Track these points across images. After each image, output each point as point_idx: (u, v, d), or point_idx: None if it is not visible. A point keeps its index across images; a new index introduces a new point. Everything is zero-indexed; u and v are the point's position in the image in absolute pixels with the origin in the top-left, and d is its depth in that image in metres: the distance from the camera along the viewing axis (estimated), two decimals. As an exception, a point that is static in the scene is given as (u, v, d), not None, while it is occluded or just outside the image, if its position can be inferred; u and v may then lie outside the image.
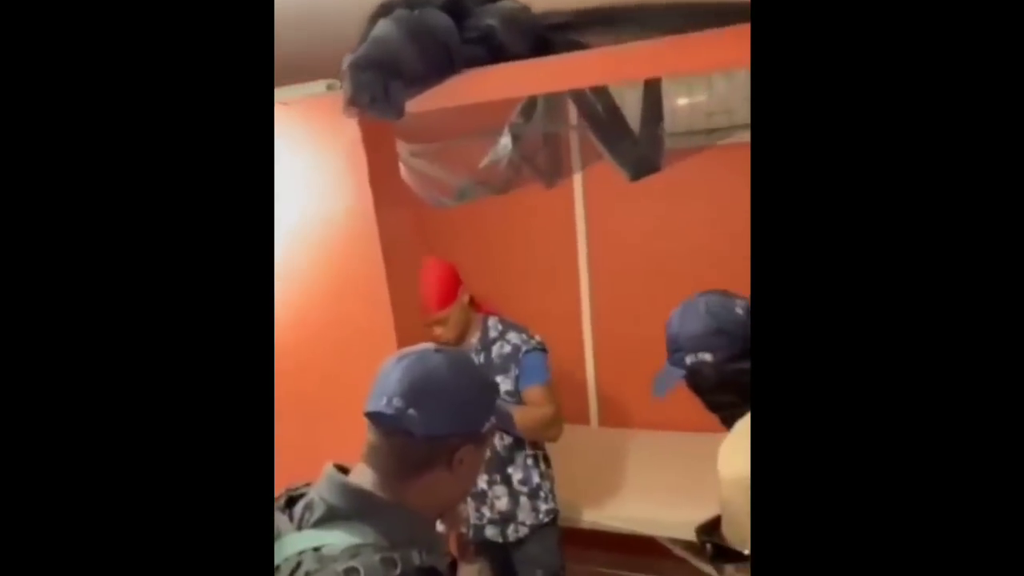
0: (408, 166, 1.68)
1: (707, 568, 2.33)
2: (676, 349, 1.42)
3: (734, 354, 1.36)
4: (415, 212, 1.68)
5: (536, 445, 2.04)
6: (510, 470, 1.99)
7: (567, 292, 3.07)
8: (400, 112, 1.29)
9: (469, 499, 2.04)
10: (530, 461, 2.01)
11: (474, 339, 2.01)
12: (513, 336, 1.98)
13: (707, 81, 2.44)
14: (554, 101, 1.36)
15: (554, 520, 2.06)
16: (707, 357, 1.38)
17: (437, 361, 0.98)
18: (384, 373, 0.97)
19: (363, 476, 0.96)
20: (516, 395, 1.94)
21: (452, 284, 1.93)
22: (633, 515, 2.30)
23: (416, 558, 0.90)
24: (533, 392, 1.92)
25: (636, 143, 1.29)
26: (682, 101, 2.43)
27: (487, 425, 1.01)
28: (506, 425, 1.24)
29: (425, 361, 0.98)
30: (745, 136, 2.46)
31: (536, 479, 2.02)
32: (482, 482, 2.00)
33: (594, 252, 3.03)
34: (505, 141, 1.55)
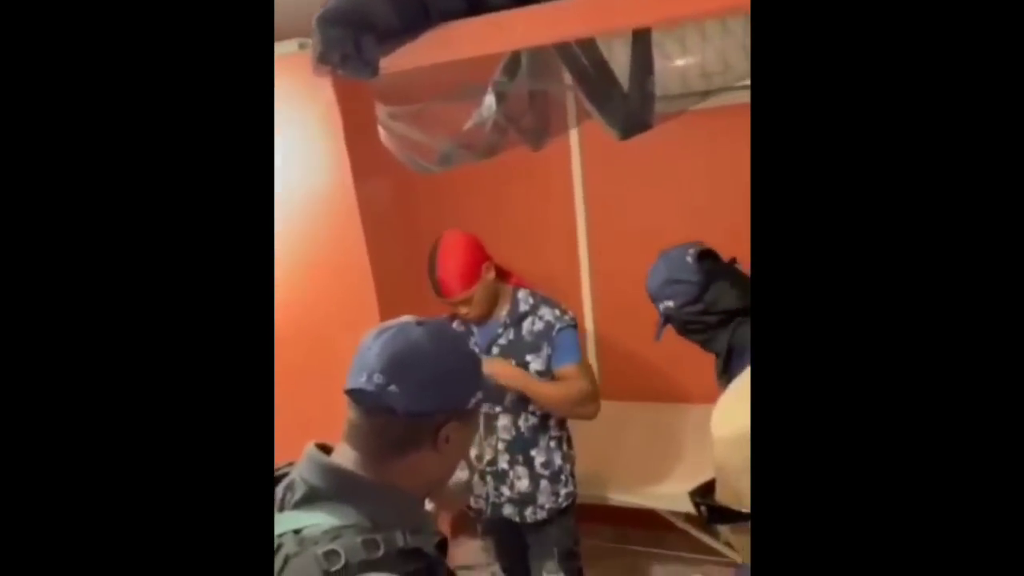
0: (387, 129, 1.60)
1: (707, 538, 2.32)
2: (652, 300, 1.69)
3: (688, 299, 1.61)
4: (398, 178, 1.60)
5: (561, 426, 1.97)
6: (533, 452, 1.92)
7: (566, 262, 3.02)
8: (374, 70, 1.21)
9: (489, 478, 2.00)
10: (553, 444, 1.94)
11: (503, 313, 1.90)
12: (546, 312, 1.87)
13: (703, 41, 2.37)
14: (539, 56, 1.28)
15: (572, 503, 2.01)
16: (670, 304, 1.65)
17: (418, 334, 0.94)
18: (363, 348, 0.93)
19: (345, 456, 0.92)
20: (547, 375, 1.88)
21: (475, 262, 1.80)
22: (635, 488, 2.26)
23: (400, 539, 0.87)
24: (568, 371, 1.85)
25: (625, 100, 1.22)
26: (678, 62, 2.36)
27: (473, 401, 0.97)
28: (497, 399, 1.19)
29: (406, 335, 0.94)
30: (741, 97, 2.42)
31: (559, 461, 1.95)
32: (503, 462, 1.93)
33: (593, 219, 2.97)
34: (489, 101, 1.47)
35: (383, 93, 1.50)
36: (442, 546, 1.05)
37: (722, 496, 0.76)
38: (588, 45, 1.26)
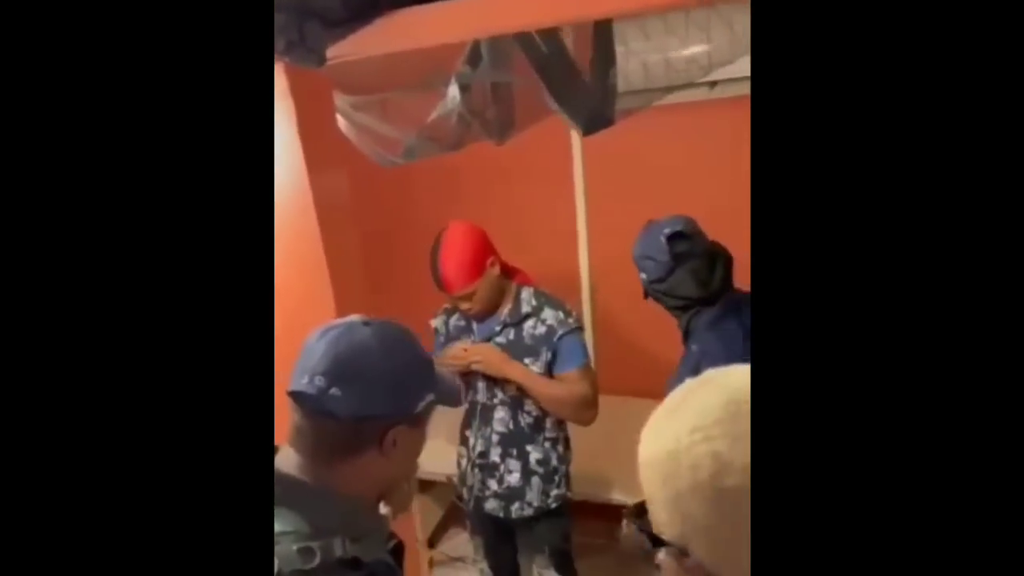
0: (350, 120, 1.54)
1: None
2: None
3: (655, 278, 1.66)
4: (355, 168, 1.54)
5: (560, 426, 1.92)
6: (529, 448, 1.87)
7: (565, 255, 2.98)
8: (321, 59, 1.15)
9: (476, 470, 1.96)
10: (549, 443, 1.89)
11: (504, 311, 1.84)
12: (548, 315, 1.80)
13: (706, 32, 2.31)
14: (500, 46, 1.21)
15: (563, 506, 1.95)
16: (643, 276, 1.70)
17: (365, 335, 0.90)
18: (307, 348, 0.89)
19: (287, 459, 0.89)
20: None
21: (479, 257, 1.74)
22: (633, 486, 2.23)
23: (338, 548, 0.84)
24: (570, 376, 1.80)
25: (587, 94, 1.15)
26: (682, 52, 2.33)
27: (421, 405, 0.93)
28: (451, 402, 1.15)
29: (351, 335, 0.90)
30: (745, 89, 2.38)
31: (554, 462, 1.90)
32: (495, 455, 1.88)
33: (593, 212, 2.92)
34: (453, 92, 1.41)
35: (342, 82, 1.44)
36: (396, 551, 1.02)
37: (652, 520, 0.71)
38: (550, 35, 1.19)
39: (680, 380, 1.67)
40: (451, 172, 3.00)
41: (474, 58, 1.27)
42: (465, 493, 2.03)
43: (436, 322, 2.05)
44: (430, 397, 0.96)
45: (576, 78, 1.17)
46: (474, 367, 1.83)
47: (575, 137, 2.82)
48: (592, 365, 1.89)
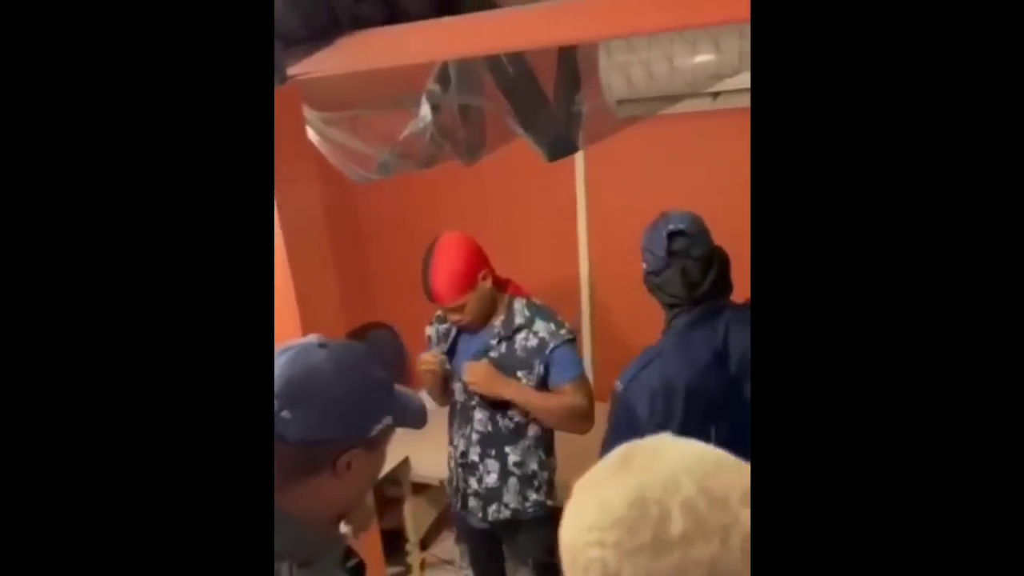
0: (321, 135, 1.52)
1: None
2: None
3: (654, 269, 1.65)
4: (326, 184, 1.53)
5: (544, 432, 1.90)
6: (508, 449, 1.86)
7: (565, 263, 2.96)
8: (282, 77, 1.14)
9: (459, 469, 1.95)
10: (531, 446, 1.88)
11: (497, 323, 1.83)
12: (541, 327, 1.80)
13: (714, 42, 2.31)
14: (468, 68, 1.20)
15: (546, 515, 1.91)
16: (644, 266, 1.70)
17: (319, 358, 0.90)
18: None
19: None
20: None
21: (471, 269, 1.73)
22: None
23: (285, 572, 0.84)
24: (565, 388, 1.78)
25: (552, 120, 1.13)
26: (684, 61, 2.33)
27: (377, 428, 0.92)
28: (415, 423, 1.13)
29: (305, 357, 0.90)
30: (745, 100, 2.37)
31: (534, 466, 1.88)
32: (475, 455, 1.88)
33: (593, 219, 2.92)
34: (424, 111, 1.39)
35: (313, 97, 1.43)
36: (356, 571, 1.01)
37: None
38: (517, 59, 1.18)
39: (628, 373, 1.65)
40: (451, 179, 2.98)
41: (443, 78, 1.25)
42: (452, 492, 2.04)
43: (430, 330, 2.05)
44: (387, 420, 0.96)
45: (542, 103, 1.16)
46: (470, 388, 1.82)
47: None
48: (587, 376, 1.87)
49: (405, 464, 2.88)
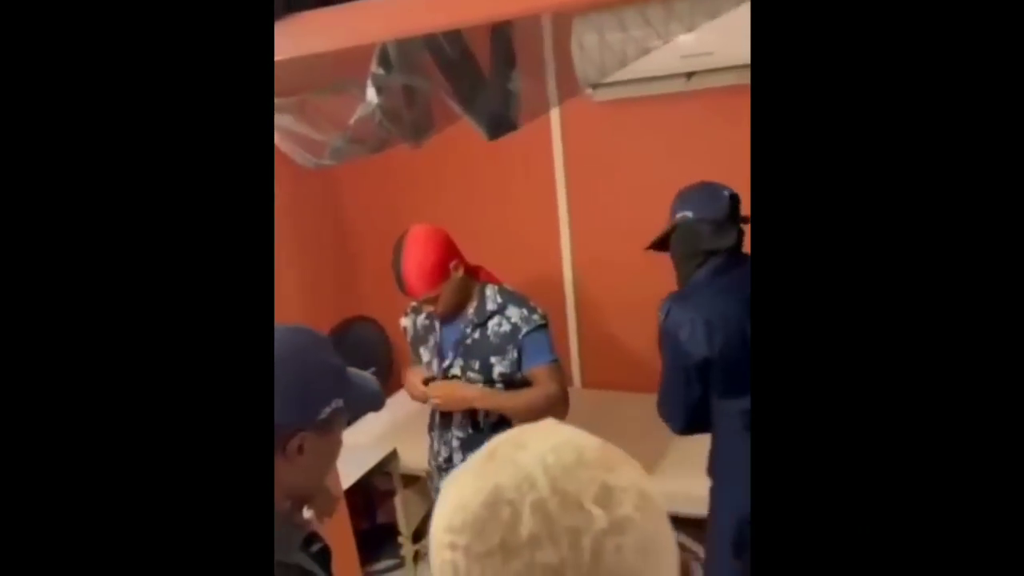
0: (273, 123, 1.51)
1: (682, 537, 2.30)
2: (671, 213, 1.89)
3: (707, 216, 1.81)
4: (308, 176, 1.53)
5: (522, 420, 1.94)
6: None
7: (547, 248, 2.97)
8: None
9: (441, 473, 1.97)
10: None
11: (470, 311, 1.84)
12: (512, 312, 1.81)
13: (688, 22, 2.31)
14: (407, 48, 1.19)
15: None
16: (688, 214, 1.82)
17: None
18: None
19: None
20: (511, 377, 1.82)
21: (442, 261, 1.74)
22: None
23: None
24: (537, 373, 1.80)
25: (490, 98, 1.13)
26: (687, 39, 2.35)
27: (326, 411, 0.94)
28: (371, 407, 1.14)
29: None
30: (726, 79, 2.39)
31: None
32: (458, 460, 1.90)
33: (575, 203, 2.94)
34: (371, 94, 1.38)
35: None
36: (321, 555, 1.02)
37: None
38: (454, 37, 1.17)
39: (664, 307, 1.73)
40: (434, 167, 2.97)
41: (385, 60, 1.24)
42: (434, 491, 2.05)
43: (406, 321, 2.05)
44: (337, 403, 0.97)
45: (480, 81, 1.15)
46: (437, 407, 1.83)
47: (555, 129, 2.78)
48: (559, 361, 1.88)
49: (394, 456, 2.90)
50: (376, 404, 1.15)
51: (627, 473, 0.52)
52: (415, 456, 2.79)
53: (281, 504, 0.98)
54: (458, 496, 0.53)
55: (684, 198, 1.87)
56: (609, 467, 0.51)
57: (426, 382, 1.91)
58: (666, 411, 1.84)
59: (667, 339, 1.77)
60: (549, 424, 0.58)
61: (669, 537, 0.53)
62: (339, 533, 1.62)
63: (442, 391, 1.84)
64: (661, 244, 1.91)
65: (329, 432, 1.00)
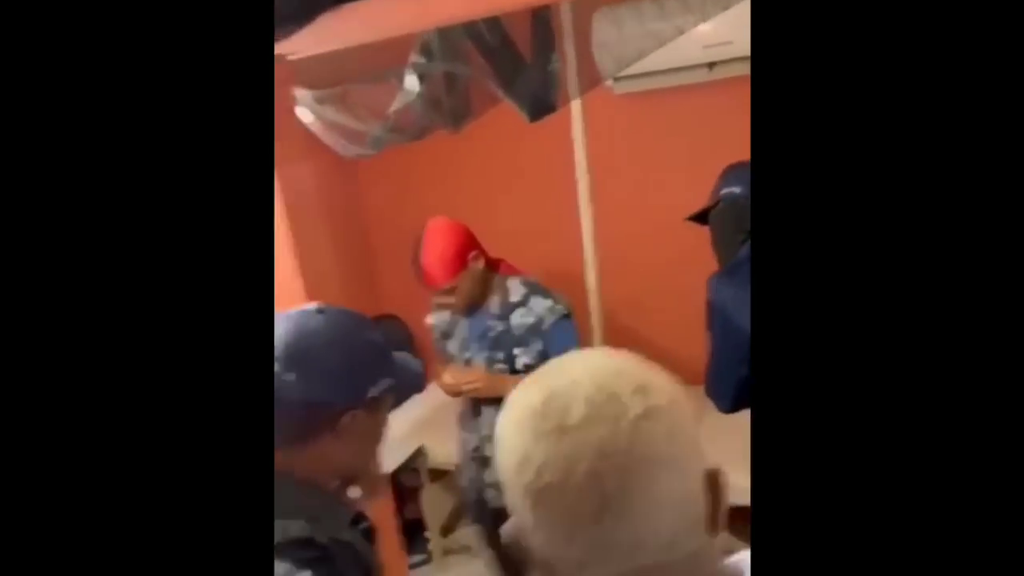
0: (315, 114, 1.57)
1: None
2: (716, 189, 1.76)
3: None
4: (321, 163, 1.57)
5: None
6: None
7: (569, 241, 2.98)
8: (270, 57, 1.19)
9: (472, 463, 1.98)
10: None
11: (493, 305, 1.87)
12: (537, 304, 1.83)
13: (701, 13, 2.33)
14: (448, 36, 1.24)
15: None
16: (735, 190, 1.71)
17: (317, 322, 0.95)
18: None
19: None
20: (536, 369, 1.84)
21: (461, 251, 1.77)
22: None
23: (295, 529, 0.88)
24: None
25: (531, 81, 1.18)
26: (701, 30, 2.35)
27: (374, 390, 0.97)
28: (414, 388, 1.18)
29: (305, 322, 0.95)
30: (747, 68, 2.37)
31: None
32: (488, 449, 1.92)
33: (598, 198, 2.96)
34: (411, 82, 1.44)
35: (301, 77, 1.48)
36: (367, 534, 1.05)
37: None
38: (492, 23, 1.22)
39: (712, 283, 1.65)
40: (453, 164, 3.00)
41: (426, 49, 1.30)
42: (465, 483, 2.06)
43: (432, 318, 2.07)
44: (385, 383, 0.99)
45: (520, 65, 1.20)
46: (469, 395, 1.85)
47: (576, 122, 2.81)
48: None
49: (421, 453, 2.88)
50: (420, 385, 1.19)
51: (660, 378, 0.61)
52: (442, 452, 2.81)
53: (330, 483, 1.02)
54: (521, 398, 0.63)
55: (732, 174, 1.76)
56: (645, 372, 0.61)
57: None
58: (715, 389, 1.80)
59: (716, 316, 1.75)
60: (590, 350, 0.68)
61: (695, 430, 0.61)
62: (383, 517, 1.67)
63: (477, 378, 1.87)
64: (700, 218, 1.83)
65: (377, 411, 1.01)
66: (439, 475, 3.09)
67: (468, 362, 1.92)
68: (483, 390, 1.85)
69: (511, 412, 0.63)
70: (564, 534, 0.56)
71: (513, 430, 0.61)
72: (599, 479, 0.55)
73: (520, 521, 0.60)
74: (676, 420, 0.58)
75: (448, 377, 1.90)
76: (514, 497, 0.60)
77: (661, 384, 0.60)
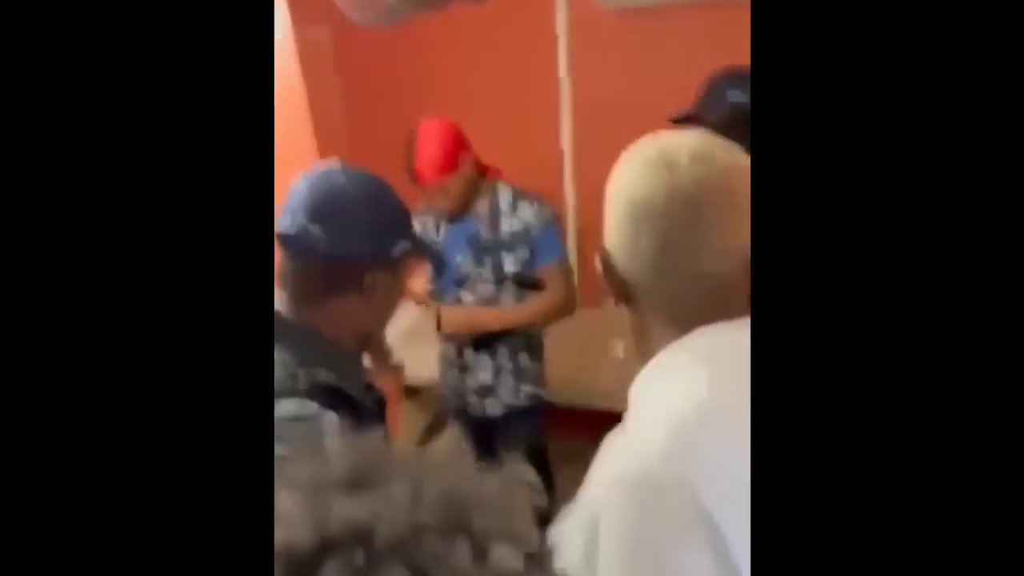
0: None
1: None
2: (717, 91, 1.56)
3: None
4: (345, 31, 1.56)
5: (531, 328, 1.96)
6: (499, 347, 1.92)
7: (547, 150, 2.95)
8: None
9: (454, 368, 1.98)
10: (521, 342, 1.93)
11: (482, 209, 1.82)
12: (524, 210, 1.79)
13: None
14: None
15: (537, 404, 2.01)
16: (737, 92, 1.59)
17: (343, 179, 0.95)
18: (292, 191, 0.95)
19: (276, 300, 0.95)
20: (523, 276, 1.89)
21: (453, 150, 1.71)
22: (614, 393, 2.29)
23: (322, 375, 0.91)
24: (547, 272, 1.84)
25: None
26: None
27: (396, 249, 0.99)
28: (433, 260, 1.23)
29: (331, 179, 0.95)
30: None
31: (524, 362, 1.96)
32: (468, 355, 1.93)
33: (577, 101, 2.90)
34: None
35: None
36: (381, 404, 1.08)
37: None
38: None
39: None
40: (433, 77, 2.91)
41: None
42: (447, 390, 2.14)
43: (415, 220, 2.07)
44: (406, 244, 1.04)
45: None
46: (450, 335, 1.87)
47: (562, 39, 2.71)
48: (568, 259, 1.93)
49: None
50: (439, 262, 1.24)
51: (722, 144, 0.77)
52: (416, 368, 2.79)
53: (348, 343, 1.01)
54: (633, 159, 0.77)
55: (736, 79, 1.51)
56: (710, 137, 0.77)
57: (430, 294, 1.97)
58: None
59: None
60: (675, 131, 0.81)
61: (746, 184, 0.72)
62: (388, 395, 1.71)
63: (454, 318, 1.84)
64: (684, 122, 1.67)
65: (397, 272, 1.01)
66: (413, 392, 3.14)
67: (457, 268, 1.96)
68: (463, 330, 1.85)
69: (629, 156, 0.79)
70: (657, 249, 0.73)
71: (627, 167, 0.77)
72: (695, 201, 0.71)
73: (618, 242, 0.78)
74: (727, 166, 0.74)
75: (418, 287, 1.94)
76: (620, 221, 0.76)
77: (724, 145, 0.76)
